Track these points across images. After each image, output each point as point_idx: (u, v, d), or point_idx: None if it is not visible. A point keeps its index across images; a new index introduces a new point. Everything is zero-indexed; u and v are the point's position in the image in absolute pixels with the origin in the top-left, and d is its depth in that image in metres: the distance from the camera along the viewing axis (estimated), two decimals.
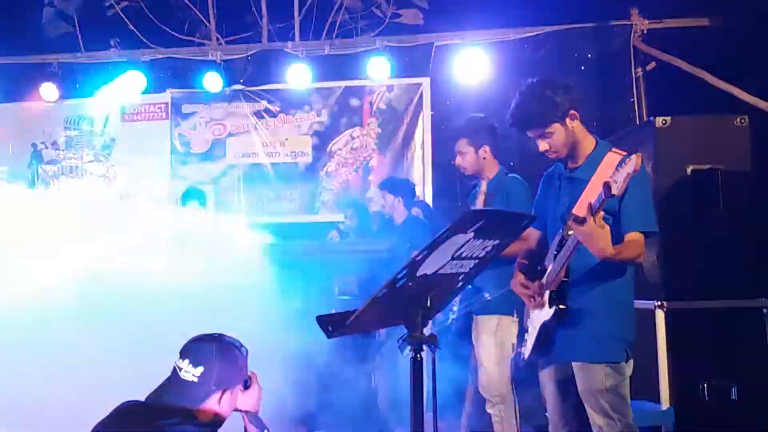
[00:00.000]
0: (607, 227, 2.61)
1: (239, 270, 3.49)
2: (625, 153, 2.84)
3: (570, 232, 2.75)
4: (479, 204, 3.64)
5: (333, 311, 2.04)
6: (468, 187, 4.24)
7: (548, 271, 2.93)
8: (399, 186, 5.54)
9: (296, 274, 3.99)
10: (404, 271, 1.85)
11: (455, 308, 4.06)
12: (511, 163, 4.05)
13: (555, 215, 3.03)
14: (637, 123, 6.22)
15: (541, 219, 3.14)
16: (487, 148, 3.95)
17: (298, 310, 3.75)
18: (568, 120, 2.92)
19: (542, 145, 2.95)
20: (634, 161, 2.42)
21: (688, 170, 4.09)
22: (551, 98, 2.90)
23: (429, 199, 7.13)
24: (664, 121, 4.15)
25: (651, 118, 4.24)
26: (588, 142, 2.99)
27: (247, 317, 3.14)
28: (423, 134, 7.35)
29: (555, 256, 2.90)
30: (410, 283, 1.93)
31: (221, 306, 3.15)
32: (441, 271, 1.98)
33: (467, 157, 3.93)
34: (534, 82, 2.95)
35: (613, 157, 2.87)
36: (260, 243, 3.96)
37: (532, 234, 3.25)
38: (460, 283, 2.14)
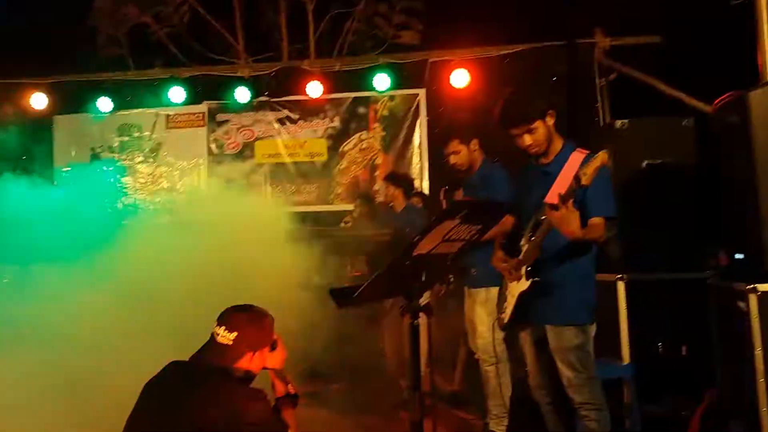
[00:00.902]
0: (577, 212, 2.62)
1: (271, 250, 3.48)
2: (587, 152, 2.86)
3: (543, 217, 2.76)
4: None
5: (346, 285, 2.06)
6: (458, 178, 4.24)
7: (524, 250, 2.95)
8: (399, 179, 5.54)
9: (315, 254, 4.00)
10: (405, 252, 1.87)
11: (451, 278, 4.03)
12: (496, 160, 4.02)
13: (529, 203, 3.03)
14: (601, 125, 6.22)
15: (518, 206, 3.14)
16: (476, 141, 3.87)
17: (318, 285, 3.76)
18: (548, 117, 2.91)
19: (527, 140, 2.91)
20: (602, 156, 2.43)
21: (643, 164, 4.10)
22: (531, 100, 2.90)
23: (426, 190, 7.15)
24: (623, 123, 4.16)
25: (612, 121, 4.24)
26: (558, 142, 2.99)
27: (275, 289, 3.14)
28: (420, 136, 7.35)
29: (530, 237, 2.92)
30: (408, 262, 1.95)
31: (253, 279, 3.15)
32: (434, 251, 2.01)
33: (462, 154, 3.84)
34: (515, 89, 2.95)
35: (577, 155, 2.87)
36: (287, 228, 3.97)
37: (509, 219, 3.24)
38: (450, 261, 2.16)
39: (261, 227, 3.56)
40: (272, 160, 7.46)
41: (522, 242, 2.99)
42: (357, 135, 7.49)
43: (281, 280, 3.29)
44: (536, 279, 2.88)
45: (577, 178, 2.49)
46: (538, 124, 2.90)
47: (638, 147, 4.11)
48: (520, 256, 2.97)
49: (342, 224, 6.35)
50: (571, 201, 2.59)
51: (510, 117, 2.90)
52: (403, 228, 4.86)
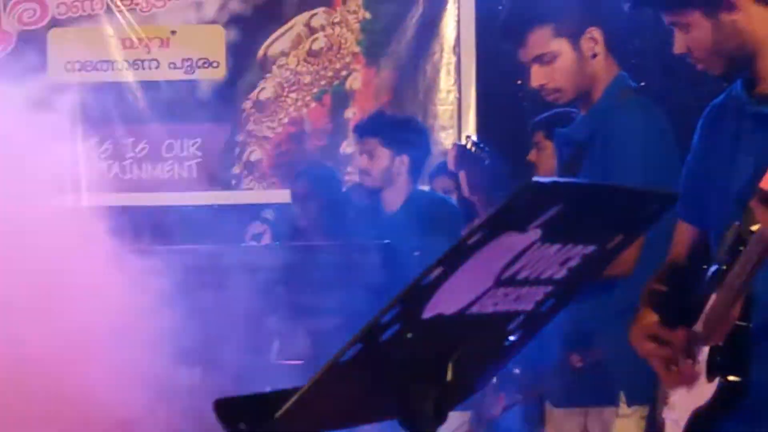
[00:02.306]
0: None
1: (82, 303, 3.56)
2: None
3: (755, 228, 2.81)
4: None
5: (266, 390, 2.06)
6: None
7: (708, 307, 3.01)
8: (397, 129, 5.56)
9: (195, 315, 4.02)
10: (395, 310, 1.86)
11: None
12: (641, 83, 4.10)
13: (727, 191, 3.13)
14: None
15: (699, 201, 3.24)
16: (599, 35, 4.04)
17: (198, 389, 3.78)
18: None
19: (678, 43, 3.10)
20: None
21: None
22: None
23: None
24: None
25: None
26: None
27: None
28: (458, 25, 7.43)
29: (724, 275, 2.97)
30: (409, 334, 1.94)
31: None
32: (474, 311, 2.01)
33: (561, 62, 4.01)
34: None
35: None
36: (124, 248, 3.99)
37: (682, 233, 3.35)
38: (517, 336, 2.16)
39: (53, 244, 3.59)
40: (93, 75, 7.55)
41: (705, 290, 3.05)
42: (302, 18, 7.56)
43: (114, 374, 3.32)
44: (732, 379, 2.94)
45: None
46: (695, 18, 3.02)
47: None
48: (698, 324, 3.03)
49: (252, 239, 6.35)
50: None
51: None
52: (405, 249, 4.97)
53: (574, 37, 4.01)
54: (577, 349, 3.95)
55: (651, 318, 3.16)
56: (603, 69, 4.04)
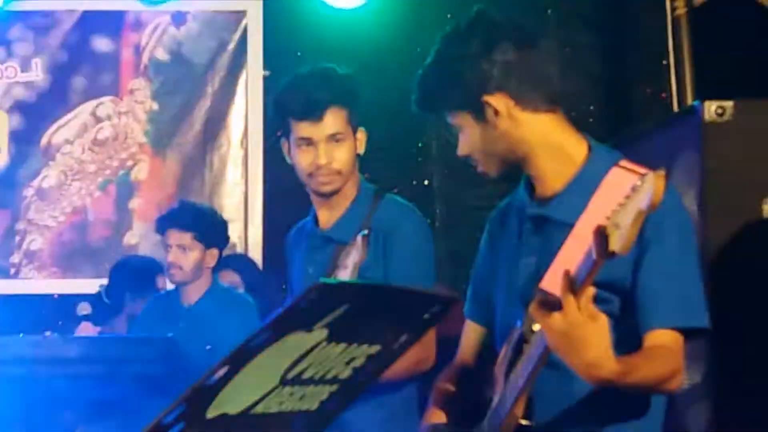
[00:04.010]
0: (604, 319, 2.67)
1: None
2: (643, 171, 2.95)
3: (536, 328, 2.81)
4: (346, 268, 3.59)
5: None
6: None
7: (493, 406, 3.00)
8: (207, 222, 5.53)
9: None
10: (179, 409, 1.84)
11: None
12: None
13: (510, 292, 3.13)
14: (673, 111, 6.46)
15: (486, 301, 3.26)
16: (363, 136, 4.12)
17: None
18: (495, 102, 3.04)
19: (460, 145, 3.17)
20: (649, 185, 2.46)
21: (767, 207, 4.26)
22: (476, 59, 3.03)
23: (257, 252, 7.14)
24: (720, 110, 4.31)
25: (696, 104, 4.39)
26: (574, 149, 3.11)
27: None
28: (245, 118, 7.47)
29: (507, 375, 2.97)
30: None
31: None
32: (259, 410, 2.00)
33: (346, 146, 4.02)
34: (473, 17, 3.11)
35: (621, 176, 2.95)
36: None
37: (469, 332, 3.36)
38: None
39: None
40: None
41: (493, 388, 3.04)
42: (89, 106, 7.49)
43: None
44: None
45: (600, 235, 2.52)
46: (463, 118, 3.10)
47: (753, 163, 4.27)
48: (484, 422, 3.03)
49: (49, 333, 6.22)
50: (589, 291, 2.64)
51: (424, 93, 3.16)
52: (198, 344, 4.96)
53: (354, 130, 4.06)
54: None
55: (439, 417, 3.16)
56: (355, 169, 4.10)
